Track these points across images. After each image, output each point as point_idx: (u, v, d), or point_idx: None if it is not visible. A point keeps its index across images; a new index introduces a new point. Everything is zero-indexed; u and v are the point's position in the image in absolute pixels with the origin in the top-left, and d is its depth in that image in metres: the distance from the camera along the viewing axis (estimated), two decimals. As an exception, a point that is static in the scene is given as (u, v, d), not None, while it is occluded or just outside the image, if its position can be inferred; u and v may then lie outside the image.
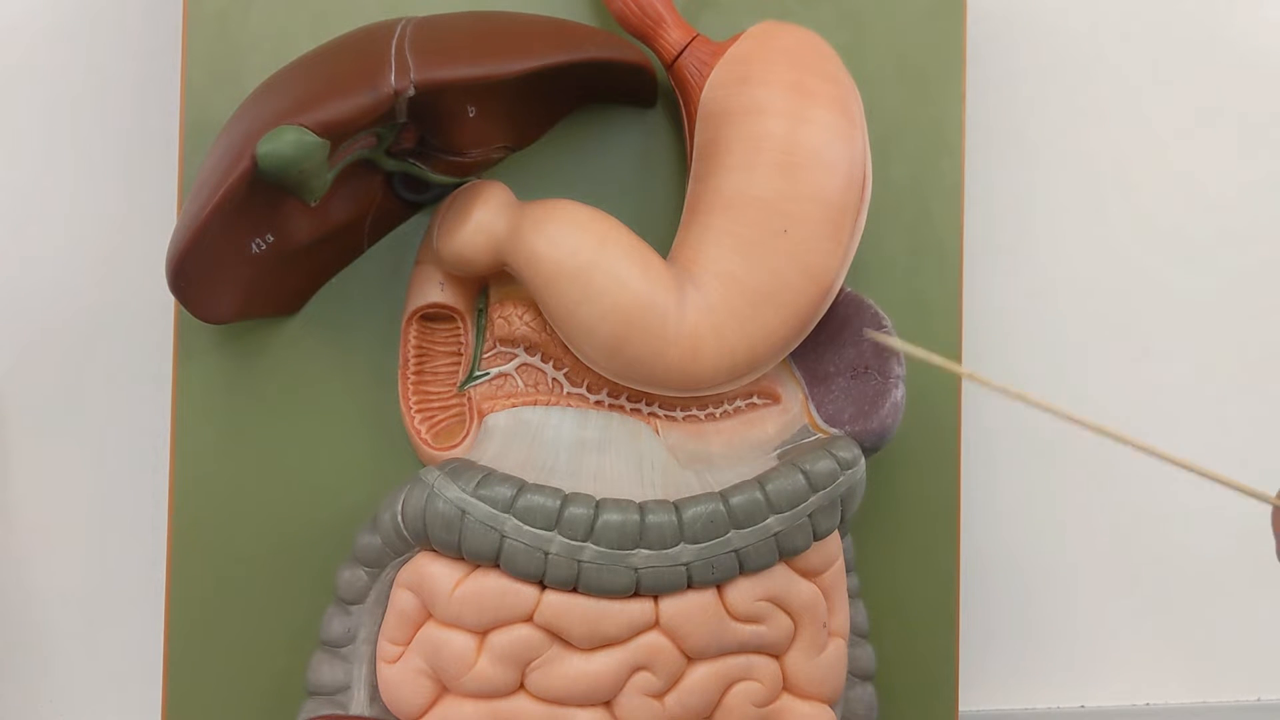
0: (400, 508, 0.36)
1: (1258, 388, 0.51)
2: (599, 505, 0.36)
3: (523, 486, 0.36)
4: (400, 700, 0.37)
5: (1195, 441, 0.50)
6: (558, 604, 0.36)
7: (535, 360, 0.40)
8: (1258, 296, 0.51)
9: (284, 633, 0.39)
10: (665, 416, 0.40)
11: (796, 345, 0.39)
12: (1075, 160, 0.50)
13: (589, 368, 0.39)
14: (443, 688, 0.37)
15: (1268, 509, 0.50)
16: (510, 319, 0.39)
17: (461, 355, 0.40)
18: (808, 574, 0.38)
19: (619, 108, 0.41)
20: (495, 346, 0.40)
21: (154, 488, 0.45)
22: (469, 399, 0.40)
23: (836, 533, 0.38)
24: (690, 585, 0.36)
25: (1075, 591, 0.50)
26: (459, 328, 0.40)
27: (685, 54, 0.38)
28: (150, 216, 0.45)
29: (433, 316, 0.40)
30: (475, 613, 0.36)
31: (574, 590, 0.36)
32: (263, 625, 0.39)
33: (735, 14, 0.41)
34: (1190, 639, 0.51)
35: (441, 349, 0.40)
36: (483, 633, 0.36)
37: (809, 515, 0.37)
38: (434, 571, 0.36)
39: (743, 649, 0.37)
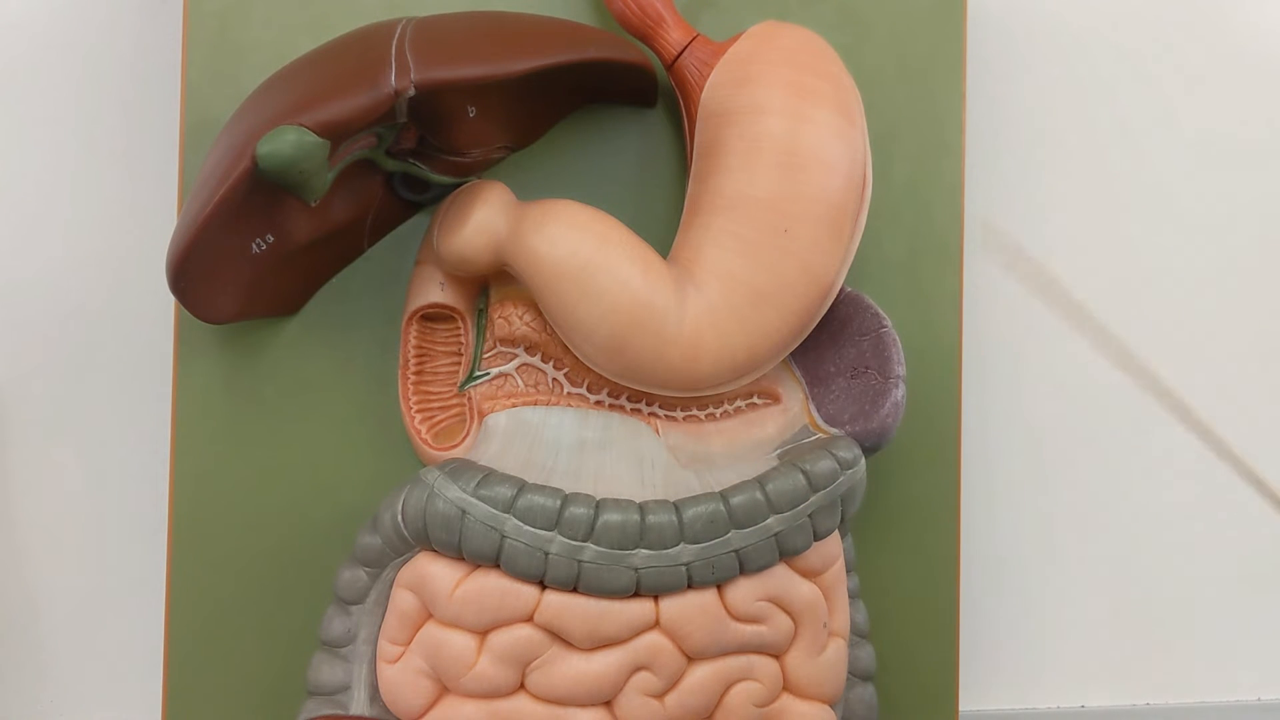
0: (400, 508, 0.36)
1: (1257, 389, 0.51)
2: (599, 505, 0.36)
3: (523, 486, 0.36)
4: (400, 700, 0.37)
5: (1198, 438, 0.50)
6: (558, 604, 0.36)
7: (535, 360, 0.40)
8: (1261, 302, 0.51)
9: (284, 633, 0.39)
10: (665, 416, 0.40)
11: (797, 345, 0.39)
12: (1076, 159, 0.50)
13: (589, 368, 0.39)
14: (443, 688, 0.37)
15: (1266, 504, 0.51)
16: (510, 319, 0.39)
17: (461, 355, 0.40)
18: (808, 574, 0.38)
19: (619, 108, 0.41)
20: (495, 346, 0.40)
21: (154, 488, 0.45)
22: (469, 399, 0.40)
23: (836, 533, 0.38)
24: (690, 585, 0.36)
25: (1075, 591, 0.50)
26: (459, 328, 0.40)
27: (685, 54, 0.38)
28: (150, 216, 0.45)
29: (433, 316, 0.40)
30: (475, 613, 0.36)
31: (574, 590, 0.36)
32: (263, 625, 0.39)
33: (735, 14, 0.41)
34: (1190, 639, 0.50)
35: (441, 349, 0.40)
36: (483, 633, 0.36)
37: (809, 515, 0.37)
38: (434, 571, 0.36)
39: (743, 649, 0.37)
